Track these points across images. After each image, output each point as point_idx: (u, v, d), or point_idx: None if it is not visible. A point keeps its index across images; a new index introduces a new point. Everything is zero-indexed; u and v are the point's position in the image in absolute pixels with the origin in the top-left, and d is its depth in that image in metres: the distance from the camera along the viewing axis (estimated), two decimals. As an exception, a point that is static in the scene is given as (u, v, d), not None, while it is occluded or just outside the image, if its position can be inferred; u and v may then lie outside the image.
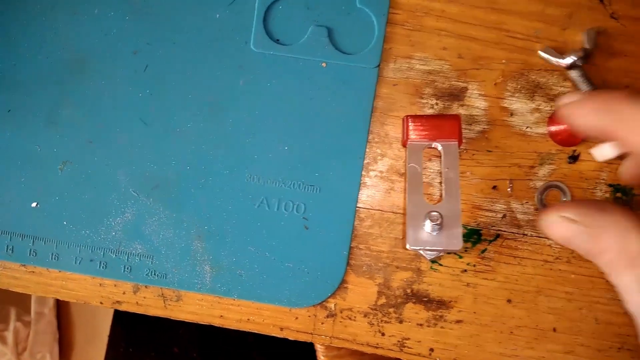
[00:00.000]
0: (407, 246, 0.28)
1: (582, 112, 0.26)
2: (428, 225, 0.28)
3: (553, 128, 0.30)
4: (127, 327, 0.87)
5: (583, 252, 0.26)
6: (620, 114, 0.25)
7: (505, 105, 0.31)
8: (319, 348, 0.53)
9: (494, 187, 0.31)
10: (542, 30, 0.31)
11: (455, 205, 0.28)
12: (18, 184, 0.32)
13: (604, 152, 0.30)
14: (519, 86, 0.31)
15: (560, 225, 0.26)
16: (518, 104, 0.31)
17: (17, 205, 0.32)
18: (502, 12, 0.31)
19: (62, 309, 1.03)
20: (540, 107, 0.31)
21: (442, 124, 0.29)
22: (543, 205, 0.30)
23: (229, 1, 0.31)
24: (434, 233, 0.28)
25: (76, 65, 0.32)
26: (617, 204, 0.26)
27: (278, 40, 0.31)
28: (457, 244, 0.28)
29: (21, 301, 1.00)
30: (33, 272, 0.32)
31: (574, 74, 0.30)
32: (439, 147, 0.29)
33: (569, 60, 0.30)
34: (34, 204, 0.32)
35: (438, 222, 0.27)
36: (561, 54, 0.30)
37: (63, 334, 1.03)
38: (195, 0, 0.32)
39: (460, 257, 0.31)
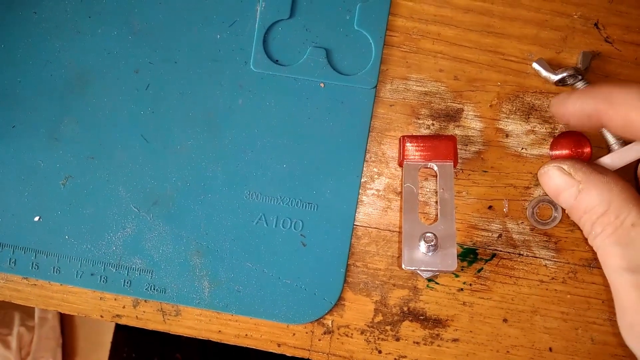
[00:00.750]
0: (403, 266, 0.28)
1: (571, 100, 0.27)
2: (423, 246, 0.28)
3: (555, 152, 0.31)
4: (130, 333, 0.87)
5: (568, 207, 0.27)
6: (607, 94, 0.25)
7: (500, 126, 0.31)
8: None
9: (490, 207, 0.31)
10: (537, 53, 0.31)
11: (450, 226, 0.29)
12: (21, 198, 0.33)
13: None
14: (514, 108, 0.31)
15: (554, 175, 0.27)
16: (513, 125, 0.31)
17: (20, 219, 0.33)
18: (497, 35, 0.31)
19: (65, 314, 1.04)
20: (535, 129, 0.31)
21: (438, 145, 0.30)
22: (535, 220, 0.31)
23: (230, 22, 0.32)
24: (429, 254, 0.28)
25: (79, 83, 0.33)
26: (623, 179, 0.26)
27: (277, 60, 0.32)
28: (452, 264, 0.28)
29: (25, 306, 1.00)
30: (35, 285, 0.33)
31: (580, 85, 0.30)
32: (435, 168, 0.30)
33: (559, 75, 0.30)
34: (36, 218, 0.33)
35: (432, 243, 0.28)
36: (554, 69, 0.30)
37: (66, 339, 1.04)
38: (197, 21, 0.32)
39: (457, 276, 0.31)
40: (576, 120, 0.27)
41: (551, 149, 0.31)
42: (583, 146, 0.30)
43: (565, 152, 0.30)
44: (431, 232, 0.28)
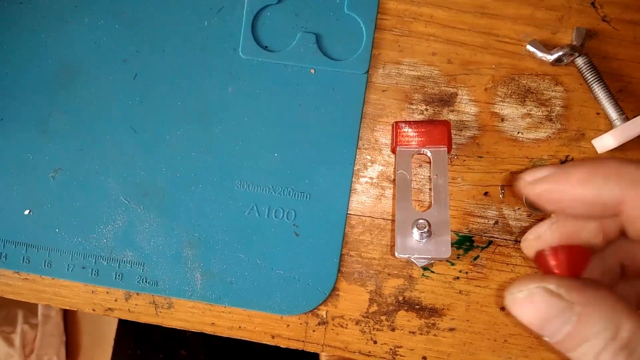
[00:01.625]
0: (396, 254, 0.28)
1: (572, 181, 0.20)
2: (416, 233, 0.27)
3: (553, 262, 0.22)
4: (134, 329, 0.87)
5: (560, 338, 0.19)
6: (630, 178, 0.19)
7: (495, 110, 0.30)
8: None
9: (486, 194, 0.31)
10: (532, 34, 0.30)
11: (444, 212, 0.28)
12: (11, 191, 0.32)
13: (605, 142, 0.29)
14: (509, 91, 0.30)
15: (539, 299, 0.20)
16: (509, 109, 0.30)
17: (10, 213, 0.32)
18: (492, 16, 0.30)
19: (68, 311, 1.04)
20: (531, 112, 0.30)
21: (432, 130, 0.29)
22: (531, 206, 0.30)
23: (217, 9, 0.31)
24: (423, 241, 0.28)
25: (67, 73, 0.32)
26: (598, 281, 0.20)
27: (266, 47, 0.31)
28: (446, 252, 0.27)
29: (28, 303, 1.01)
30: (26, 279, 0.33)
31: (580, 61, 0.29)
32: (428, 153, 0.29)
33: (555, 55, 0.29)
34: (26, 212, 0.32)
35: (425, 229, 0.27)
36: (550, 49, 0.30)
37: (70, 336, 1.04)
38: (184, 9, 0.32)
39: (452, 264, 0.31)
40: (581, 210, 0.20)
41: (539, 260, 0.22)
42: (582, 266, 0.21)
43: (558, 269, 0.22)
44: (424, 219, 0.27)
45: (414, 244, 0.28)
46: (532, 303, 0.20)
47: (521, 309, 0.20)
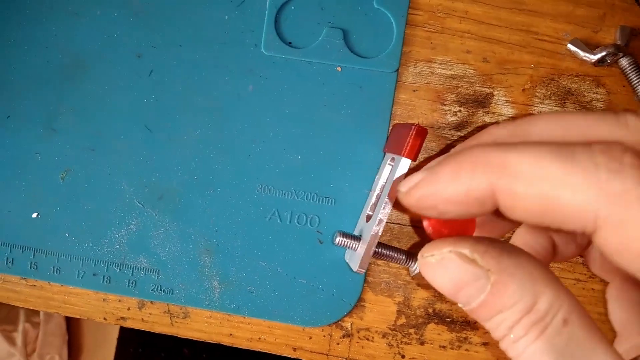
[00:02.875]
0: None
1: (442, 179, 0.17)
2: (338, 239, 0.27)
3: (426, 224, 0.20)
4: (137, 329, 0.86)
5: (474, 306, 0.18)
6: (503, 162, 0.16)
7: (534, 112, 0.29)
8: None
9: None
10: (572, 32, 0.29)
11: (370, 226, 0.26)
12: (18, 193, 0.30)
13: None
14: (548, 92, 0.29)
15: (451, 264, 0.18)
16: (548, 111, 0.29)
17: (17, 216, 0.30)
18: (530, 13, 0.29)
19: (70, 310, 1.03)
20: (571, 115, 0.29)
21: (401, 137, 0.25)
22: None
23: (238, 2, 0.30)
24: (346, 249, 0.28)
25: (77, 69, 0.30)
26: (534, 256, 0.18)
27: (290, 43, 0.30)
28: (353, 266, 0.26)
29: (30, 302, 0.99)
30: (34, 285, 0.31)
31: (624, 62, 0.28)
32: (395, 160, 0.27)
33: (598, 55, 0.28)
34: (34, 215, 0.30)
35: (340, 238, 0.27)
36: (592, 48, 0.28)
37: (72, 336, 1.03)
38: (203, 1, 0.30)
39: (485, 274, 0.29)
40: (458, 211, 0.17)
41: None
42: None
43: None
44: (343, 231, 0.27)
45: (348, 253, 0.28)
46: (444, 268, 0.18)
47: (433, 274, 0.18)
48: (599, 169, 0.14)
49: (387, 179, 0.27)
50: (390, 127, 0.29)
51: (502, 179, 0.16)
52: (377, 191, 0.28)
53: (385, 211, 0.25)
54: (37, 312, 0.99)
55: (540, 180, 0.15)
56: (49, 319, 0.99)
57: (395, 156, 0.26)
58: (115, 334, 0.91)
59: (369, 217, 0.28)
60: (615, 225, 0.14)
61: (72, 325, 1.03)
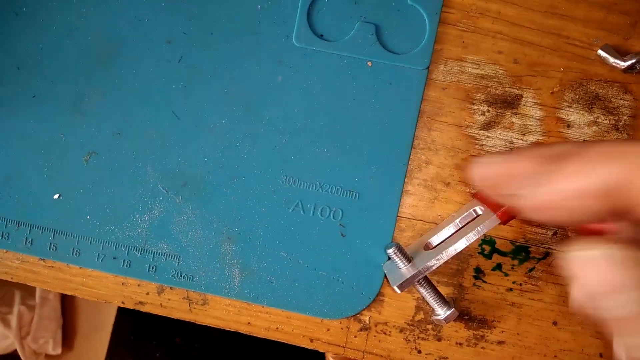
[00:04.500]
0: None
1: (563, 171, 0.16)
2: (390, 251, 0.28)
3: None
4: (131, 316, 0.86)
5: (624, 314, 0.15)
6: (626, 154, 0.15)
7: (562, 115, 0.29)
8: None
9: (544, 202, 0.29)
10: (603, 38, 0.29)
11: (429, 257, 0.26)
12: (40, 174, 0.30)
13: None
14: (577, 96, 0.29)
15: (600, 267, 0.16)
16: (575, 115, 0.29)
17: (38, 197, 0.30)
18: (562, 17, 0.29)
19: (67, 295, 1.02)
20: (598, 120, 0.29)
21: (501, 207, 0.24)
22: None
23: (272, -9, 0.30)
24: (391, 261, 0.28)
25: (106, 52, 0.30)
26: None
27: (322, 35, 0.30)
28: (393, 282, 0.27)
29: (26, 285, 0.99)
30: (52, 267, 0.31)
31: None
32: (479, 211, 0.27)
33: (629, 62, 0.28)
34: (56, 196, 0.30)
35: (392, 249, 0.27)
36: (622, 55, 0.28)
37: (67, 320, 1.02)
38: (237, -11, 0.30)
39: (507, 274, 0.29)
40: (576, 209, 0.16)
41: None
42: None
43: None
44: (398, 244, 0.27)
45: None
46: (607, 266, 0.16)
47: (591, 269, 0.16)
48: None
49: (464, 224, 0.27)
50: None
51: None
52: (449, 228, 0.27)
53: (448, 253, 0.25)
54: (32, 295, 0.98)
55: None
56: (45, 302, 0.99)
57: (483, 208, 0.26)
58: (111, 320, 0.91)
59: (428, 246, 0.27)
60: None
61: (67, 310, 1.03)
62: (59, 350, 0.99)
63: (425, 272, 0.25)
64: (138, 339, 0.87)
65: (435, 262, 0.25)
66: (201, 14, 0.30)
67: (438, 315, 0.27)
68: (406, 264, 0.26)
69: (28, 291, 0.99)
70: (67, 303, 1.03)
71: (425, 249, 0.27)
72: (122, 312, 0.88)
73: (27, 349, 0.96)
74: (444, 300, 0.27)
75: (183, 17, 0.30)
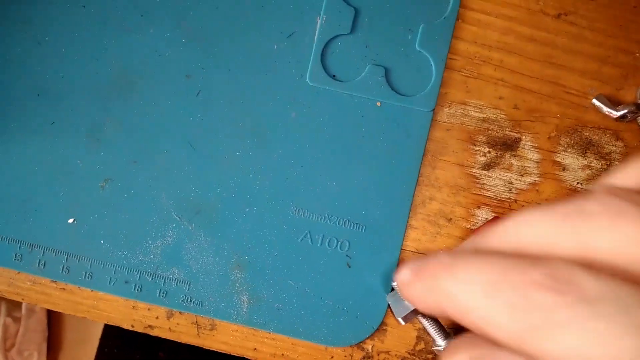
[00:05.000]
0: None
1: (413, 294, 0.18)
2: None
3: None
4: (118, 328, 0.85)
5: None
6: (442, 292, 0.17)
7: (557, 159, 0.31)
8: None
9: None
10: (597, 88, 0.31)
11: None
12: (56, 198, 0.31)
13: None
14: (572, 142, 0.31)
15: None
16: (570, 159, 0.31)
17: (53, 220, 0.31)
18: (559, 67, 0.31)
19: (54, 307, 1.01)
20: (591, 164, 0.31)
21: None
22: None
23: (288, 33, 0.31)
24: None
25: (125, 83, 0.31)
26: None
27: (334, 76, 0.31)
28: (397, 314, 0.28)
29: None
30: (64, 289, 0.32)
31: None
32: None
33: (621, 112, 0.30)
34: (70, 220, 0.31)
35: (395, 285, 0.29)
36: (615, 105, 0.30)
37: (53, 333, 1.01)
38: (254, 30, 0.31)
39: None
40: (432, 312, 0.18)
41: None
42: None
43: None
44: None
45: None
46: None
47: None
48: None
49: None
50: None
51: (449, 309, 0.16)
52: None
53: None
54: (19, 307, 0.97)
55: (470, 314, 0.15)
56: (31, 314, 0.98)
57: None
58: (97, 334, 0.90)
59: None
60: None
61: (54, 323, 1.02)
62: (43, 364, 0.98)
63: None
64: (121, 352, 0.87)
65: None
66: (220, 52, 0.31)
67: (439, 346, 0.28)
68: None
69: (14, 302, 0.98)
70: (54, 315, 1.02)
71: None
72: (108, 326, 0.88)
73: (11, 361, 0.95)
74: (445, 332, 0.28)
75: (202, 54, 0.31)
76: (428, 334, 0.28)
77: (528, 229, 0.16)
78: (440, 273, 0.17)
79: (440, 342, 0.28)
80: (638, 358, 0.12)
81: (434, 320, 0.28)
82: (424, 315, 0.27)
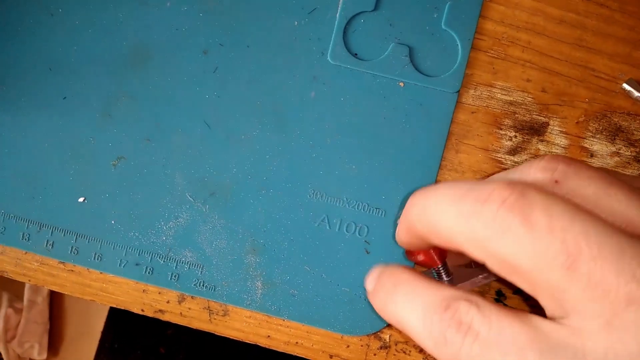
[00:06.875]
0: None
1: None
2: None
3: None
4: (119, 323, 0.85)
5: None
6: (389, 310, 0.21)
7: (585, 145, 0.30)
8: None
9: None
10: (627, 72, 0.30)
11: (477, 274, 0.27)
12: (66, 176, 0.30)
13: None
14: (600, 127, 0.30)
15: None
16: (598, 145, 0.30)
17: (63, 199, 0.30)
18: (589, 50, 0.30)
19: (55, 299, 1.01)
20: (620, 151, 0.30)
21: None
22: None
23: (310, 9, 0.30)
24: None
25: (140, 58, 0.30)
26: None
27: (356, 54, 0.30)
28: None
29: (14, 287, 0.97)
30: (72, 270, 0.31)
31: None
32: None
33: None
34: (81, 199, 0.30)
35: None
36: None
37: (54, 325, 1.00)
38: (275, 5, 0.30)
39: (528, 298, 0.30)
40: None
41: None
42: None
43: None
44: None
45: None
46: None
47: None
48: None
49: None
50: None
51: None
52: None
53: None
54: (20, 298, 0.96)
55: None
56: (33, 305, 0.97)
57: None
58: (99, 327, 0.89)
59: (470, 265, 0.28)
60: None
61: (55, 315, 1.01)
62: (44, 356, 0.97)
63: (472, 286, 0.26)
64: (123, 347, 0.86)
65: (485, 278, 0.26)
66: (238, 27, 0.30)
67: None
68: (447, 278, 0.26)
69: (16, 293, 0.97)
70: (55, 307, 1.01)
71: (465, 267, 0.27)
72: (110, 319, 0.87)
73: (11, 353, 0.94)
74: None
75: (220, 29, 0.30)
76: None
77: (437, 217, 0.20)
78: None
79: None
80: (558, 258, 0.16)
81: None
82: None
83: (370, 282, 0.23)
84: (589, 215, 0.16)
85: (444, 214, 0.19)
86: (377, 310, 0.22)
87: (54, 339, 1.00)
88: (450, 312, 0.18)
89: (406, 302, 0.20)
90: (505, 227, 0.17)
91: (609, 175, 0.20)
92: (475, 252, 0.18)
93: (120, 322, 0.84)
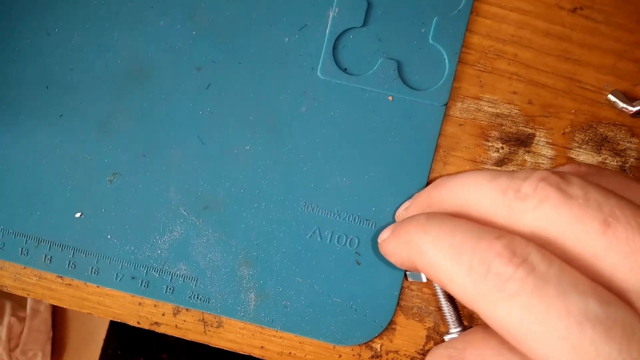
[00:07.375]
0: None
1: (387, 240, 0.23)
2: None
3: None
4: (121, 330, 0.85)
5: None
6: (413, 240, 0.20)
7: (572, 155, 0.30)
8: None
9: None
10: (613, 84, 0.30)
11: None
12: (63, 192, 0.31)
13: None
14: (586, 138, 0.30)
15: None
16: (585, 155, 0.30)
17: (60, 214, 0.31)
18: (575, 62, 0.30)
19: (58, 308, 1.01)
20: (606, 161, 0.30)
21: None
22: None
23: (300, 26, 0.31)
24: None
25: (135, 75, 0.31)
26: None
27: (346, 69, 0.31)
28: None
29: (17, 296, 0.98)
30: (70, 284, 0.31)
31: None
32: None
33: (637, 107, 0.29)
34: (77, 214, 0.31)
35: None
36: (631, 101, 0.30)
37: (57, 333, 1.01)
38: (265, 22, 0.31)
39: (515, 307, 0.30)
40: (403, 266, 0.23)
41: None
42: None
43: None
44: None
45: None
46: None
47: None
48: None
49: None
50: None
51: (419, 263, 0.20)
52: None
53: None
54: (23, 307, 0.97)
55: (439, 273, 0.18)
56: (36, 314, 0.98)
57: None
58: (102, 335, 0.90)
59: None
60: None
61: (58, 323, 1.02)
62: (47, 364, 0.97)
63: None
64: (125, 355, 0.87)
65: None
66: (230, 44, 0.31)
67: (451, 333, 0.27)
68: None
69: (19, 302, 0.98)
70: (58, 316, 1.02)
71: None
72: (113, 326, 0.87)
73: (15, 361, 0.95)
74: (461, 321, 0.27)
75: (213, 46, 0.31)
76: (444, 317, 0.27)
77: (472, 193, 0.19)
78: (415, 230, 0.20)
79: (454, 329, 0.27)
80: (567, 339, 0.14)
81: (455, 305, 0.27)
82: (448, 296, 0.26)
83: (386, 231, 0.23)
84: (621, 195, 0.17)
85: (479, 188, 0.18)
86: (392, 252, 0.22)
87: (57, 347, 1.01)
88: (503, 241, 0.16)
89: (443, 229, 0.19)
90: (544, 196, 0.17)
91: (628, 176, 0.21)
92: (509, 222, 0.17)
93: (122, 329, 0.84)
